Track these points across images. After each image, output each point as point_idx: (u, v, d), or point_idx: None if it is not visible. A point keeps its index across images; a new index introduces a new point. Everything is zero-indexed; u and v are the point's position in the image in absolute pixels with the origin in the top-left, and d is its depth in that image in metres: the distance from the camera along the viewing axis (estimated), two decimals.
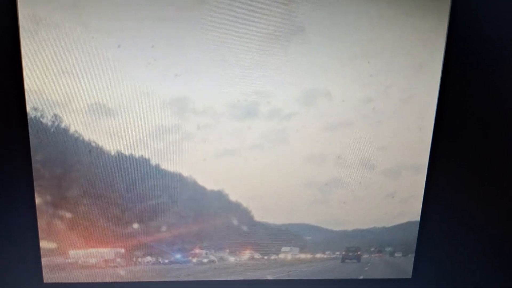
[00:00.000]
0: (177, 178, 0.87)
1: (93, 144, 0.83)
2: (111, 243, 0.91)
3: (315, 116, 0.87)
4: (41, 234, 0.87)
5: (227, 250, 0.97)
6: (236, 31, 0.79)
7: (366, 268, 1.01)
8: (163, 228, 0.92)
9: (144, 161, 0.86)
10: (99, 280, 0.93)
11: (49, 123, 0.81)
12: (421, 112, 0.88)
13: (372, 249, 1.00)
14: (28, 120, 0.79)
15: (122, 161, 0.85)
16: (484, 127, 0.88)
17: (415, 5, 0.81)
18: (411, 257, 0.98)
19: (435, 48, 0.84)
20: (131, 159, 0.85)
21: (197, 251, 0.95)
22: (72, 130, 0.82)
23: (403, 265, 0.99)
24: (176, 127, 0.84)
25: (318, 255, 1.00)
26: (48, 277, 0.91)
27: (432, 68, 0.85)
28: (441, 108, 0.86)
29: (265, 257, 0.99)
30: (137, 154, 0.85)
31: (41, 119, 0.80)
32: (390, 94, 0.86)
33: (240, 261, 0.98)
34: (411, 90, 0.86)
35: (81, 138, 0.82)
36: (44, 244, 0.89)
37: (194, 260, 0.95)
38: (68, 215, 0.87)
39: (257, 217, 0.93)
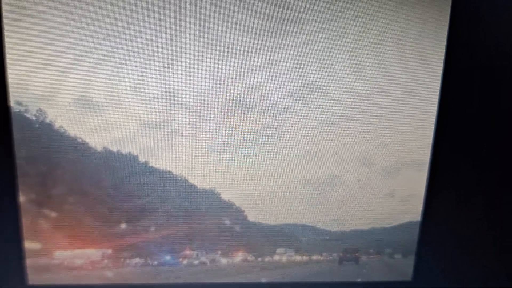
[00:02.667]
0: (166, 176, 0.86)
1: (79, 140, 0.82)
2: (98, 243, 0.89)
3: (311, 110, 0.85)
4: (25, 233, 0.84)
5: (219, 252, 0.96)
6: (227, 21, 0.77)
7: (364, 270, 0.99)
8: (152, 228, 0.90)
9: (132, 158, 0.84)
10: (86, 282, 0.91)
11: (34, 118, 0.79)
12: (423, 107, 0.86)
13: (371, 250, 1.00)
14: (12, 115, 0.76)
15: (109, 158, 0.83)
16: (488, 122, 0.86)
17: None
18: (411, 259, 0.96)
19: (436, 39, 0.81)
20: (119, 156, 0.83)
21: (187, 252, 0.94)
22: (57, 125, 0.80)
23: (403, 267, 0.97)
24: (165, 122, 0.82)
25: (315, 257, 1.01)
26: (32, 278, 0.88)
27: (434, 60, 0.82)
28: (443, 102, 0.84)
29: (259, 259, 0.98)
30: (125, 150, 0.83)
31: (25, 114, 0.78)
32: (390, 87, 0.85)
33: (233, 263, 0.97)
34: (412, 83, 0.85)
35: (67, 133, 0.81)
36: (28, 244, 0.85)
37: (185, 261, 0.95)
38: (53, 214, 0.85)
39: (251, 217, 0.91)
